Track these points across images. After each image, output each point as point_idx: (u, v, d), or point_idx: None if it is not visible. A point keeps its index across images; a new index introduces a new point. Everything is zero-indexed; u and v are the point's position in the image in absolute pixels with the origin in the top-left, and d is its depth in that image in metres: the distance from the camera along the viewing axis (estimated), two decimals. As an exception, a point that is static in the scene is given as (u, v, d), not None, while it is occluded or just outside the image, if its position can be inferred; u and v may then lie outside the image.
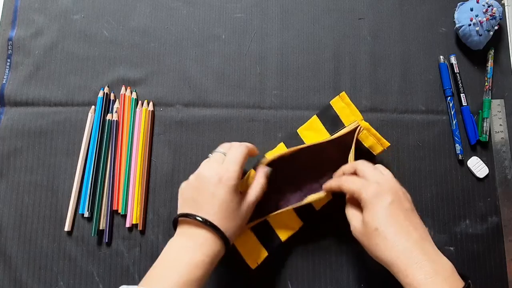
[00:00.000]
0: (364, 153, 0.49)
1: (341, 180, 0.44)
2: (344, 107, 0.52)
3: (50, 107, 0.54)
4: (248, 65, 0.56)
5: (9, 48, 0.55)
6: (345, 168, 0.47)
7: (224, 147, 0.45)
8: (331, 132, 0.52)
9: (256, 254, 0.49)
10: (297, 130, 0.53)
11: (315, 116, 0.53)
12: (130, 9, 0.57)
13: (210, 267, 0.39)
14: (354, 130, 0.49)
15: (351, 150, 0.48)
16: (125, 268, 0.50)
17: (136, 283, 0.49)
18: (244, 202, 0.43)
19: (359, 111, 0.52)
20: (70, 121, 0.53)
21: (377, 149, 0.49)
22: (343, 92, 0.52)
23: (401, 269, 0.37)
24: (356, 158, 0.47)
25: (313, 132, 0.52)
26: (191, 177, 0.43)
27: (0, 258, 0.50)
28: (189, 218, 0.40)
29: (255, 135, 0.54)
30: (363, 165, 0.44)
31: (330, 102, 0.52)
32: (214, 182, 0.41)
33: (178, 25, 0.57)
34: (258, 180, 0.45)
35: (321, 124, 0.52)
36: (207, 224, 0.39)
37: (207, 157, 0.45)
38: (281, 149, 0.52)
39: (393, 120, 0.55)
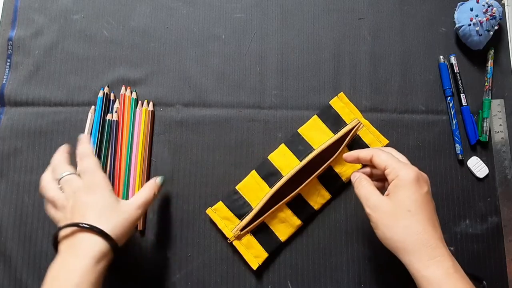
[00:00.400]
0: (362, 148, 0.51)
1: (374, 151, 0.42)
2: (343, 106, 0.53)
3: (50, 107, 0.54)
4: (248, 65, 0.56)
5: (9, 48, 0.55)
6: (361, 153, 0.43)
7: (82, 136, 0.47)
8: (334, 131, 0.52)
9: (257, 255, 0.49)
10: (298, 131, 0.53)
11: (315, 116, 0.53)
12: (130, 9, 0.57)
13: (96, 267, 0.37)
14: (354, 127, 0.51)
15: (344, 142, 0.50)
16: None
17: (137, 283, 0.49)
18: (130, 211, 0.42)
19: (359, 111, 0.52)
20: (70, 121, 0.53)
21: (376, 146, 0.51)
22: (341, 93, 0.53)
23: (423, 259, 0.36)
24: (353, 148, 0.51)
25: (316, 132, 0.52)
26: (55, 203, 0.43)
27: (0, 258, 0.50)
28: (74, 226, 0.39)
29: (255, 135, 0.54)
30: (391, 151, 0.43)
31: (330, 102, 0.53)
32: (85, 190, 0.42)
33: (178, 25, 0.57)
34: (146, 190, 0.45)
35: (323, 124, 0.53)
36: (74, 225, 0.38)
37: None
38: (282, 150, 0.52)
39: (393, 120, 0.55)
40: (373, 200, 0.40)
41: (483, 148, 0.55)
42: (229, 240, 0.50)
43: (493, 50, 0.56)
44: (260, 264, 0.49)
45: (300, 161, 0.51)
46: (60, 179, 0.43)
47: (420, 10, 0.58)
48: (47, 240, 0.50)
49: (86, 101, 0.54)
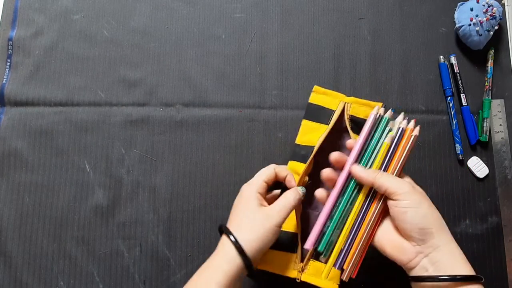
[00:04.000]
0: (362, 127, 0.45)
1: (375, 175, 0.40)
2: (322, 97, 0.52)
3: (50, 107, 0.54)
4: (248, 65, 0.56)
5: (9, 48, 0.55)
6: (362, 176, 0.41)
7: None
8: (327, 123, 0.51)
9: (331, 277, 0.46)
10: (296, 142, 0.51)
11: (303, 121, 0.52)
12: (130, 9, 0.57)
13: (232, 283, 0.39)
14: (343, 110, 0.50)
15: (348, 129, 0.49)
16: (125, 268, 0.50)
17: (136, 283, 0.49)
18: (265, 208, 0.42)
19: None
20: (70, 121, 0.53)
21: (372, 114, 0.47)
22: (315, 86, 0.52)
23: (449, 236, 0.38)
24: (358, 131, 0.45)
25: (313, 134, 0.51)
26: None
27: (0, 258, 0.50)
28: (227, 233, 0.41)
29: (255, 135, 0.54)
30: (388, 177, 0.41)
31: (309, 101, 0.52)
32: (238, 196, 0.44)
33: (178, 25, 0.57)
34: (290, 195, 0.44)
35: (314, 123, 0.51)
36: (234, 244, 0.40)
37: None
38: (292, 165, 0.50)
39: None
40: (404, 183, 0.39)
41: (483, 148, 0.54)
42: (298, 279, 0.46)
43: (493, 50, 0.56)
44: (339, 283, 0.46)
45: (305, 162, 0.48)
46: None
47: (420, 10, 0.58)
48: (47, 240, 0.50)
49: (86, 101, 0.54)
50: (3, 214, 0.51)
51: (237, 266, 0.39)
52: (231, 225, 0.42)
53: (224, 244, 0.41)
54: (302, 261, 0.47)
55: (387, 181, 0.39)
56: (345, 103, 0.50)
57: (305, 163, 0.48)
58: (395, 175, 0.41)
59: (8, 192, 0.51)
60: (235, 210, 0.43)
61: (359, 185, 0.42)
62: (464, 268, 0.37)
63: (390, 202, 0.39)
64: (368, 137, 0.43)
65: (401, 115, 0.44)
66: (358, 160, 0.42)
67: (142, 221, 0.51)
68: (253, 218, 0.41)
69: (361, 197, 0.41)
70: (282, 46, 0.56)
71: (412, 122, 0.44)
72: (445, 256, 0.37)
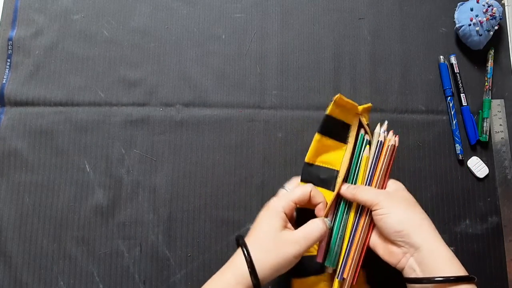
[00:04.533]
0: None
1: (355, 191, 0.44)
2: (341, 110, 0.47)
3: (50, 107, 0.54)
4: (248, 65, 0.56)
5: (9, 48, 0.55)
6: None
7: (290, 183, 0.47)
8: (344, 140, 0.48)
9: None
10: (305, 161, 0.47)
11: (318, 135, 0.47)
12: (130, 9, 0.57)
13: None
14: (360, 123, 0.48)
15: (369, 137, 0.47)
16: (125, 268, 0.50)
17: (136, 283, 0.49)
18: (289, 232, 0.40)
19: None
20: (70, 121, 0.53)
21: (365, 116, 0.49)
22: (339, 95, 0.46)
23: (435, 235, 0.39)
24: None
25: (330, 155, 0.47)
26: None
27: (0, 258, 0.50)
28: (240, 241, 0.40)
29: (255, 135, 0.54)
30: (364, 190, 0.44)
31: (327, 113, 0.46)
32: (264, 209, 0.42)
33: (178, 25, 0.57)
34: (318, 223, 0.41)
35: (330, 140, 0.47)
36: (248, 262, 0.38)
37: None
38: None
39: (393, 120, 0.54)
40: (379, 193, 0.43)
41: (483, 148, 0.55)
42: None
43: (493, 50, 0.56)
44: None
45: (332, 190, 0.46)
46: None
47: (420, 10, 0.58)
48: (47, 240, 0.50)
49: (86, 101, 0.54)
50: (3, 214, 0.51)
51: (246, 285, 0.37)
52: (249, 239, 0.40)
53: (238, 257, 0.39)
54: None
55: (365, 195, 0.43)
56: (359, 116, 0.47)
57: (328, 188, 0.47)
58: (379, 186, 0.45)
59: (8, 192, 0.51)
60: (258, 223, 0.41)
61: (349, 202, 0.46)
62: (449, 267, 0.37)
63: (372, 212, 0.43)
64: (353, 154, 0.47)
65: (379, 127, 0.47)
66: (345, 178, 0.46)
67: (142, 221, 0.51)
68: (273, 239, 0.39)
69: (352, 213, 0.45)
70: (282, 46, 0.56)
71: (391, 133, 0.46)
72: (427, 256, 0.38)
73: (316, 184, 0.47)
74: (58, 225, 0.51)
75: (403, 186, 0.45)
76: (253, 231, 0.41)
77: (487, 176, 0.53)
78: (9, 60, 0.55)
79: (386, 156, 0.45)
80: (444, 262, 0.38)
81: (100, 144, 0.53)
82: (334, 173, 0.47)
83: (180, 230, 0.51)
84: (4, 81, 0.54)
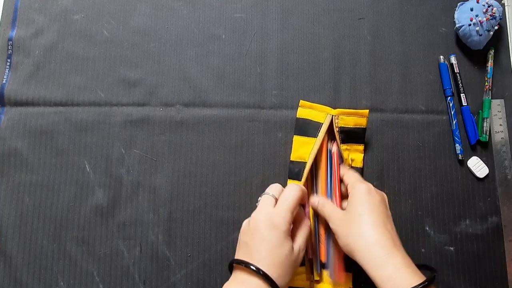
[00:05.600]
0: (353, 135, 0.51)
1: (345, 171, 0.49)
2: (309, 111, 0.52)
3: (50, 107, 0.54)
4: (248, 65, 0.56)
5: (9, 48, 0.55)
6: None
7: (273, 189, 0.44)
8: (316, 136, 0.51)
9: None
10: (290, 159, 0.52)
11: (295, 136, 0.52)
12: (130, 9, 0.57)
13: None
14: (331, 123, 0.51)
15: (338, 142, 0.50)
16: (125, 268, 0.50)
17: (136, 283, 0.49)
18: (294, 247, 0.41)
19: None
20: (70, 121, 0.53)
21: (362, 122, 0.51)
22: (301, 100, 0.52)
23: (376, 258, 0.38)
24: (349, 139, 0.51)
25: (302, 149, 0.51)
26: (245, 221, 0.43)
27: (0, 258, 0.50)
28: (242, 265, 0.39)
29: (255, 135, 0.54)
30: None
31: (297, 116, 0.52)
32: (266, 226, 0.40)
33: (178, 25, 0.57)
34: (305, 222, 0.44)
35: (304, 137, 0.51)
36: (259, 273, 0.37)
37: (256, 201, 0.45)
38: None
39: (393, 120, 0.55)
40: (334, 215, 0.44)
41: (483, 148, 0.54)
42: None
43: (493, 50, 0.56)
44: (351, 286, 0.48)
45: (300, 180, 0.50)
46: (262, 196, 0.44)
47: (420, 10, 0.58)
48: (47, 240, 0.50)
49: (86, 101, 0.54)
50: (3, 214, 0.51)
51: None
52: (264, 263, 0.39)
53: (242, 279, 0.39)
54: (312, 272, 0.48)
55: (326, 212, 0.45)
56: (332, 116, 0.51)
57: (300, 181, 0.50)
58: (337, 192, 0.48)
59: (8, 192, 0.52)
60: (266, 243, 0.39)
61: None
62: (405, 277, 0.37)
63: None
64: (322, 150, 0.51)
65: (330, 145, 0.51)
66: (311, 168, 0.50)
67: (142, 221, 0.51)
68: (291, 262, 0.40)
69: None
70: (282, 46, 0.56)
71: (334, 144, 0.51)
72: (380, 270, 0.38)
73: (295, 178, 0.51)
74: (58, 225, 0.51)
75: (365, 190, 0.43)
76: (262, 252, 0.39)
77: (487, 176, 0.53)
78: (9, 60, 0.55)
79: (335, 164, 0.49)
80: (399, 273, 0.37)
81: (100, 144, 0.53)
82: (304, 165, 0.50)
83: (180, 230, 0.51)
84: (4, 81, 0.54)
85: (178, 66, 0.55)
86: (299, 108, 0.52)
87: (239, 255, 0.41)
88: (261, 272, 0.37)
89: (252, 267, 0.38)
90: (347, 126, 0.51)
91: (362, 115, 0.51)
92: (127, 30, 0.56)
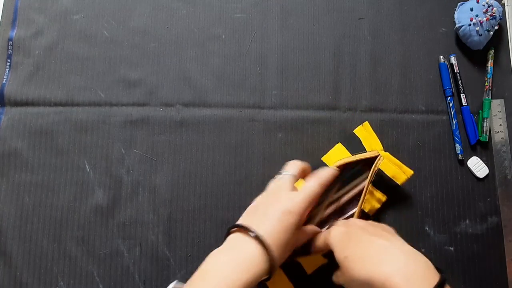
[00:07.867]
0: (386, 181, 0.49)
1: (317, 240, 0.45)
2: (367, 136, 0.53)
3: (50, 107, 0.54)
4: (248, 65, 0.56)
5: (9, 48, 0.55)
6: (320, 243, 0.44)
7: (293, 166, 0.45)
8: (353, 153, 0.52)
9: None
10: (322, 158, 0.53)
11: (339, 144, 0.53)
12: (130, 9, 0.57)
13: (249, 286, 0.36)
14: (374, 158, 0.49)
15: (368, 177, 0.49)
16: (125, 268, 0.50)
17: (136, 283, 0.49)
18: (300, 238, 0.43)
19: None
20: (70, 121, 0.53)
21: (401, 178, 0.49)
22: (366, 122, 0.53)
23: (381, 279, 0.35)
24: (378, 186, 0.49)
25: (337, 157, 0.52)
26: (263, 193, 0.44)
27: (0, 258, 0.50)
28: (244, 229, 0.38)
29: (255, 135, 0.54)
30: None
31: (354, 131, 0.53)
32: (284, 209, 0.39)
33: (178, 25, 0.57)
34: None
35: (345, 149, 0.53)
36: (259, 239, 0.37)
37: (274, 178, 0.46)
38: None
39: (393, 120, 0.55)
40: (339, 281, 0.42)
41: (483, 148, 0.55)
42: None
43: (493, 50, 0.56)
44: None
45: None
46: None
47: (420, 10, 0.58)
48: (47, 240, 0.50)
49: (86, 101, 0.54)
50: (3, 214, 0.51)
51: (259, 268, 0.36)
52: (270, 239, 0.38)
53: (236, 244, 0.38)
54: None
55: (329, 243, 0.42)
56: (379, 155, 0.50)
57: None
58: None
59: (8, 192, 0.51)
60: (281, 228, 0.39)
61: None
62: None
63: None
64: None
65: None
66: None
67: (142, 221, 0.51)
68: (292, 241, 0.40)
69: None
70: (282, 46, 0.56)
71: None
72: None
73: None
74: (58, 225, 0.51)
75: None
76: (268, 227, 0.38)
77: (487, 176, 0.53)
78: (9, 60, 0.55)
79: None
80: None
81: (100, 144, 0.53)
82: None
83: (180, 230, 0.51)
84: (4, 81, 0.54)
85: (178, 66, 0.55)
86: (360, 127, 0.53)
87: (244, 219, 0.41)
88: (261, 239, 0.36)
89: (251, 233, 0.37)
90: (384, 172, 0.49)
91: (405, 172, 0.50)
92: (127, 30, 0.56)
